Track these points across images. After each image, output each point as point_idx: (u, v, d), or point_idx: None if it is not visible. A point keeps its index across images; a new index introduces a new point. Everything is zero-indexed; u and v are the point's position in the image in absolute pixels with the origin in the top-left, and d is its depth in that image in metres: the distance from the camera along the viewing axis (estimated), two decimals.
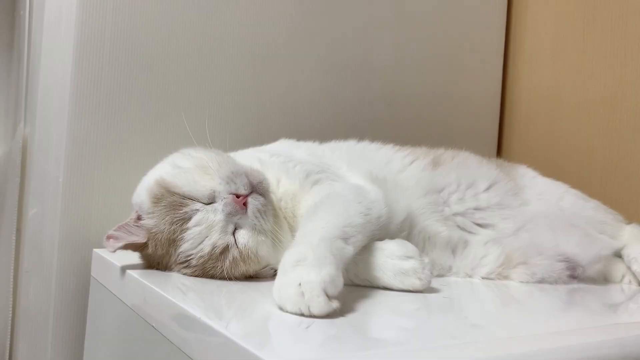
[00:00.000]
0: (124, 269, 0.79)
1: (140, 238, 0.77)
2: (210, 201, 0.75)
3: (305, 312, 0.57)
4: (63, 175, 0.96)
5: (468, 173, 0.94)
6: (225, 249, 0.73)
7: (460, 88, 1.43)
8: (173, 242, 0.74)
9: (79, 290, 0.97)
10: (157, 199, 0.77)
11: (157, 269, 0.78)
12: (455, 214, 0.89)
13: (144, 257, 0.80)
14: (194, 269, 0.74)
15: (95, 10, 0.98)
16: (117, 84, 1.00)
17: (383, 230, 0.77)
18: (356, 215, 0.71)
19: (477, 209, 0.90)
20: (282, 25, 1.17)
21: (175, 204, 0.75)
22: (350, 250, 0.67)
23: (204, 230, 0.73)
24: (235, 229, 0.75)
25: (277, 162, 0.86)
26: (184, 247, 0.74)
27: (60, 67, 0.98)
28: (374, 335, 0.57)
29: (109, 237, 0.77)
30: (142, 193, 0.79)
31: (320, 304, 0.56)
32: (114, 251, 0.76)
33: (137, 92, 1.02)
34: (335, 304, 0.57)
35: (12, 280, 1.07)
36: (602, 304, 0.80)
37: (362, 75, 1.28)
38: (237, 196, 0.74)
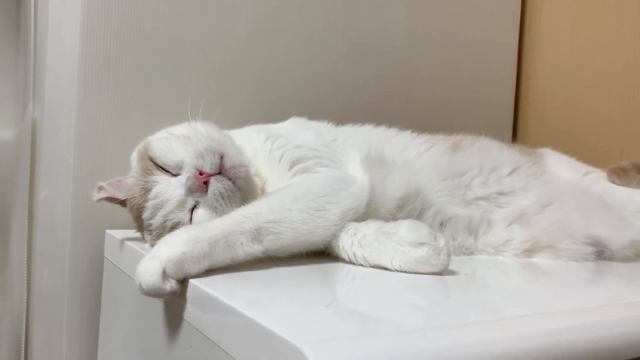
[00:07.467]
0: (135, 249, 0.78)
1: (121, 195, 0.78)
2: (177, 172, 0.74)
3: (139, 286, 0.58)
4: (74, 156, 0.95)
5: (490, 158, 0.90)
6: (178, 225, 0.71)
7: (474, 62, 1.40)
8: (141, 208, 0.75)
9: (93, 271, 0.96)
10: (138, 160, 0.78)
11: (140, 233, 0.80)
12: (479, 198, 0.85)
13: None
14: (152, 239, 0.74)
15: None
16: (125, 62, 0.98)
17: (372, 214, 0.74)
18: (300, 211, 0.66)
19: (500, 193, 0.86)
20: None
21: (147, 169, 0.75)
22: (254, 248, 0.62)
23: (160, 202, 0.72)
24: (195, 206, 0.72)
25: (265, 150, 0.81)
26: (145, 215, 0.74)
27: (68, 45, 0.96)
28: (384, 316, 0.51)
29: (99, 188, 0.79)
30: (135, 152, 0.81)
31: (150, 280, 0.57)
32: (97, 201, 0.79)
33: (146, 72, 1.00)
34: (170, 285, 0.57)
35: (25, 263, 1.07)
36: (636, 278, 0.76)
37: (375, 52, 1.25)
38: (201, 173, 0.71)
